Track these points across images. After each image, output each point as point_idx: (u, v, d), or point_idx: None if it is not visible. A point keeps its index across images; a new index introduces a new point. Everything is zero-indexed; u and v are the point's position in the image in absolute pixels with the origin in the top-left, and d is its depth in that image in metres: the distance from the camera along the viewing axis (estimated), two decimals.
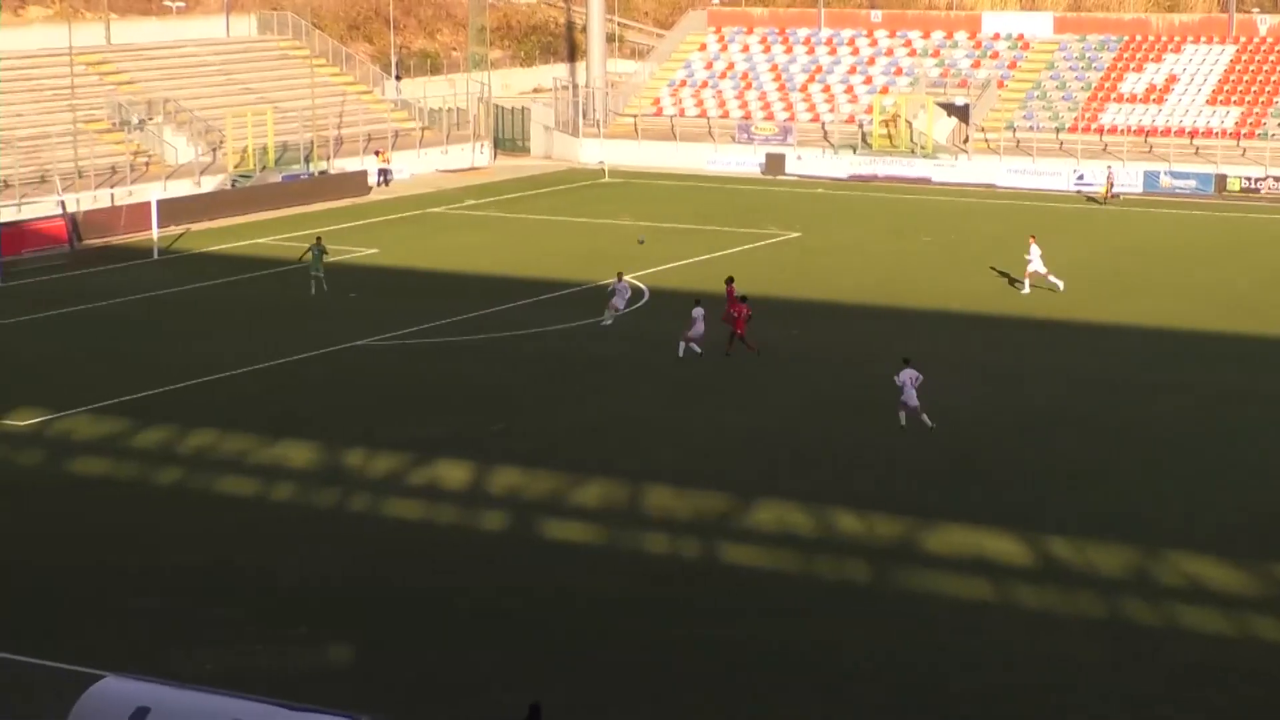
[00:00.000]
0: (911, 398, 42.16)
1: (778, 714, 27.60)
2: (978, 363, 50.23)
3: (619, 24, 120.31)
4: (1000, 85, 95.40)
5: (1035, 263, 58.79)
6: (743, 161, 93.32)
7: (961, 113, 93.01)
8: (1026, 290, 59.07)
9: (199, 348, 51.83)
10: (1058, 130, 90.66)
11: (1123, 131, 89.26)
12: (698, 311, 49.88)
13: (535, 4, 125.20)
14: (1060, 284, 58.74)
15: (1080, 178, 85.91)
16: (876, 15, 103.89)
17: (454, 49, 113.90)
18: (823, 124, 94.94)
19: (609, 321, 53.52)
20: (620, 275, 55.29)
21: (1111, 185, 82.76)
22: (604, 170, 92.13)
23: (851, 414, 44.82)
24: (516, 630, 30.82)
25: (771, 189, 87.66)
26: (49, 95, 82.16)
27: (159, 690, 22.05)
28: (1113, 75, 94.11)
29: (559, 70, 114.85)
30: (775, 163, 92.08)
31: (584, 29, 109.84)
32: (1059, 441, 42.59)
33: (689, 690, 28.40)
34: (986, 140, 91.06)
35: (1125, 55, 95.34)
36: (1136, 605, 31.97)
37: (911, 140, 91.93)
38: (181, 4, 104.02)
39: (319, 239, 60.34)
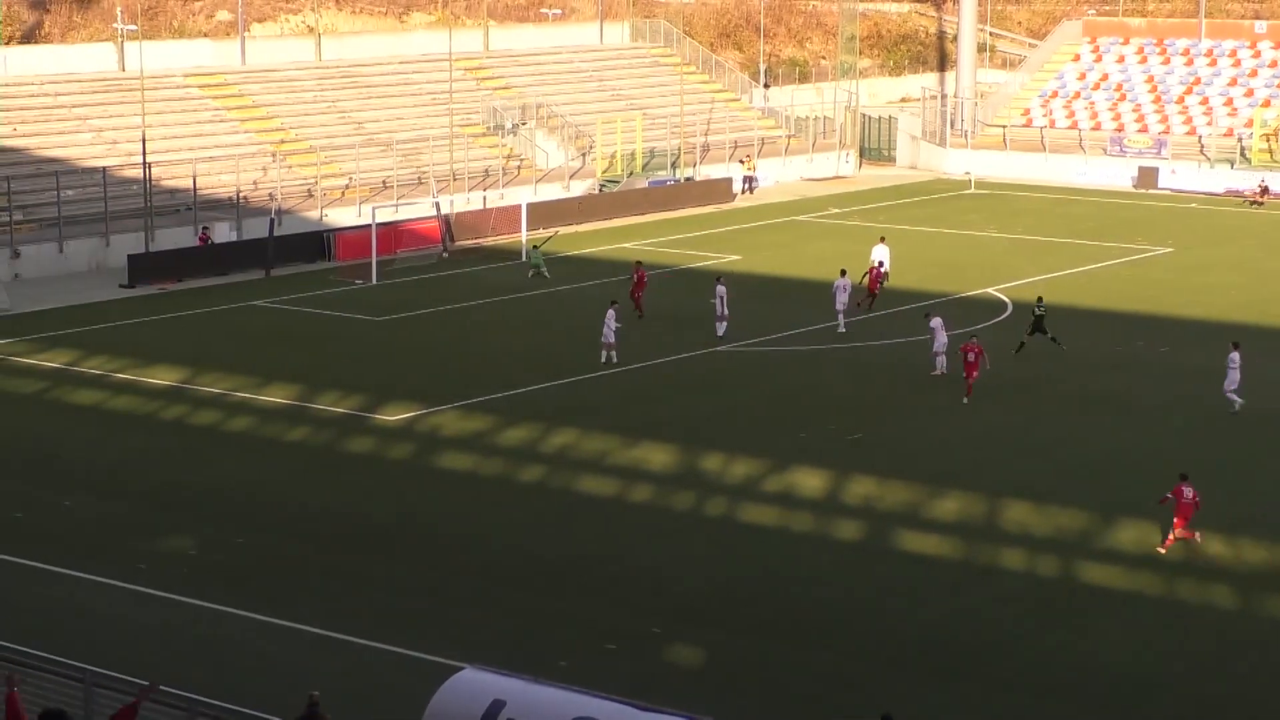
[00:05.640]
0: None
1: None
2: None
3: (990, 34, 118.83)
4: None
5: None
6: (1114, 175, 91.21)
7: None
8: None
9: (564, 348, 52.75)
10: None
11: None
12: (936, 322, 49.31)
13: (906, 13, 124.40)
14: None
15: None
16: (1261, 26, 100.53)
17: (823, 57, 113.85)
18: (1199, 137, 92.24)
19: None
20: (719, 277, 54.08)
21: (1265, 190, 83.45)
22: (970, 181, 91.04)
23: (1225, 435, 43.48)
24: (867, 640, 30.65)
25: (1143, 203, 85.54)
26: (428, 99, 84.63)
27: (514, 683, 22.42)
28: None
29: (927, 80, 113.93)
30: (1148, 176, 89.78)
31: (955, 39, 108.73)
32: None
33: (1048, 709, 27.87)
34: None
35: None
36: None
37: None
38: (558, 11, 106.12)
39: (535, 246, 66.67)
